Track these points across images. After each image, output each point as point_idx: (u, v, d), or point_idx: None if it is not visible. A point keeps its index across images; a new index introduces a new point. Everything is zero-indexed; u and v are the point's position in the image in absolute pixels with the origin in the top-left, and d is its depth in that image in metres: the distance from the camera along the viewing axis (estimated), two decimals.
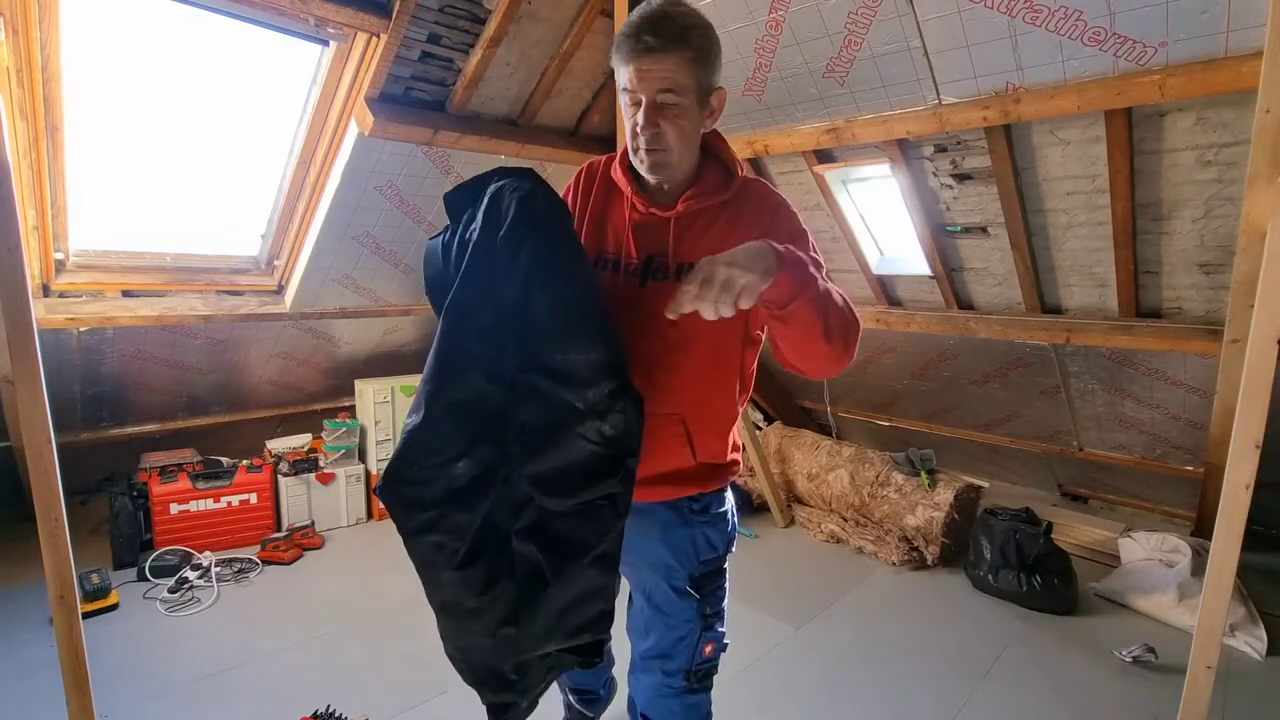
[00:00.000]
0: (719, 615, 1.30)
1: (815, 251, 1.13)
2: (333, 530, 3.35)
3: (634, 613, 1.37)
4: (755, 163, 3.07)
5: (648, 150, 1.10)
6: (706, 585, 1.27)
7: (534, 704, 1.18)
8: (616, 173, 1.22)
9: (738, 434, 1.32)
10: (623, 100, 1.11)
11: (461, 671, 1.16)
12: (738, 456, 1.31)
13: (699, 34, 1.06)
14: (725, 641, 1.34)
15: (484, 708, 1.19)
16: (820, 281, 0.99)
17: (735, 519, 1.35)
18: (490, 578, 1.07)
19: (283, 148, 2.92)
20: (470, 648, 1.13)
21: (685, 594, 1.25)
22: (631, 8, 2.80)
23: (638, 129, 1.08)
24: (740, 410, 1.28)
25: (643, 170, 1.16)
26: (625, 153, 1.20)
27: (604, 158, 1.27)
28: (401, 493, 1.05)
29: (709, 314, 0.90)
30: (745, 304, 0.89)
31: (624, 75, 1.08)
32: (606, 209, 1.24)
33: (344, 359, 3.82)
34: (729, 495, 1.33)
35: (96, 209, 2.71)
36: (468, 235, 1.07)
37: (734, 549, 1.35)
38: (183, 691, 2.08)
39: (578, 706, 1.81)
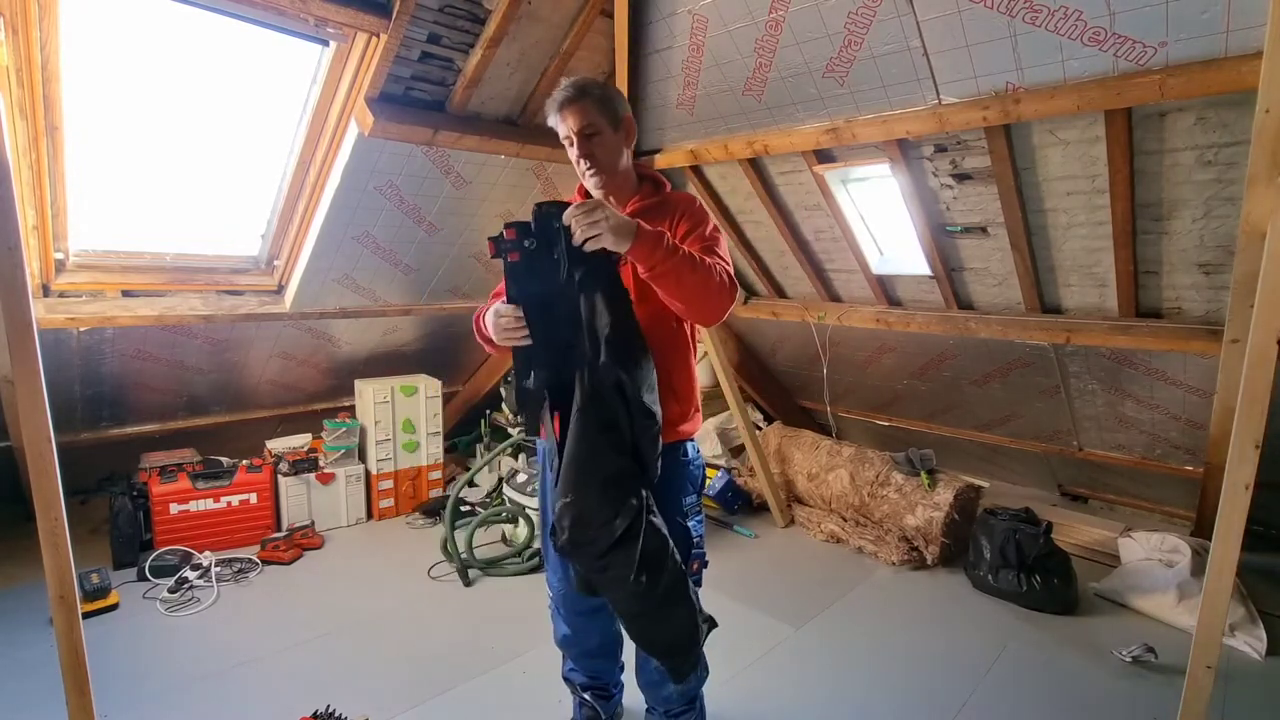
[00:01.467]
0: (701, 539, 1.66)
1: (709, 239, 1.52)
2: (332, 530, 3.35)
3: None
4: (755, 163, 3.07)
5: (588, 171, 1.53)
6: (692, 515, 1.63)
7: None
8: (577, 200, 1.56)
9: (699, 398, 1.69)
10: (566, 147, 1.54)
11: (648, 645, 1.54)
12: (699, 414, 1.69)
13: (597, 88, 1.53)
14: (707, 559, 1.70)
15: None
16: (671, 260, 1.34)
17: (703, 464, 1.75)
18: (652, 587, 1.42)
19: (283, 148, 2.92)
20: (651, 629, 1.50)
21: (676, 523, 1.58)
22: (631, 9, 2.83)
23: (578, 158, 1.52)
24: (695, 368, 1.67)
25: (592, 186, 1.56)
26: (580, 190, 1.63)
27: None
28: (582, 550, 1.41)
29: (577, 233, 1.29)
30: (594, 244, 1.29)
31: (560, 126, 1.53)
32: None
33: (344, 359, 3.82)
34: (697, 446, 1.71)
35: (96, 209, 2.71)
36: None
37: (704, 488, 1.80)
38: (183, 691, 2.08)
39: (591, 703, 1.83)
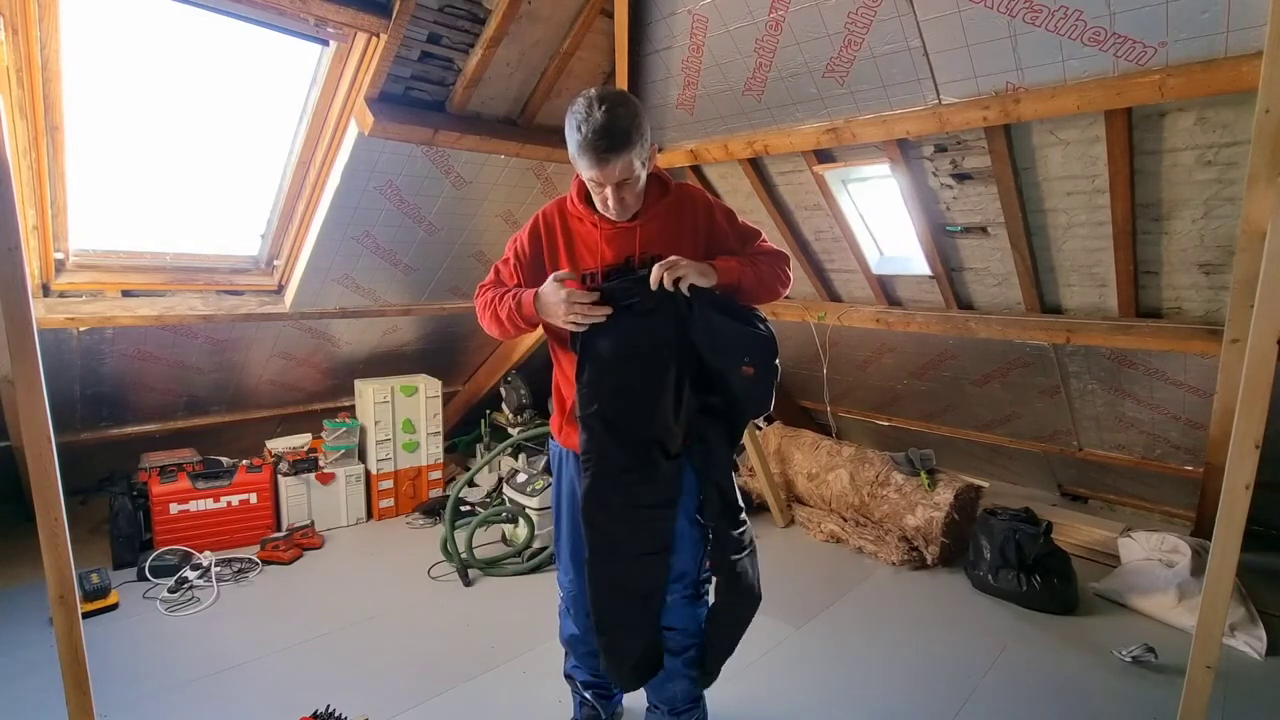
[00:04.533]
0: None
1: (752, 233, 1.67)
2: (332, 530, 3.35)
3: None
4: (755, 163, 3.07)
5: (619, 212, 1.47)
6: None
7: None
8: (576, 207, 1.55)
9: None
10: (587, 181, 1.46)
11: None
12: None
13: (636, 130, 1.38)
14: None
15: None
16: (742, 277, 1.50)
17: None
18: None
19: (283, 148, 2.92)
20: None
21: (695, 523, 1.62)
22: (631, 9, 2.82)
23: (608, 202, 1.45)
24: None
25: (613, 217, 1.50)
26: (578, 193, 1.55)
27: (553, 204, 1.61)
28: None
29: (667, 282, 1.40)
30: (683, 285, 1.41)
31: (589, 172, 1.41)
32: (572, 237, 1.57)
33: (344, 359, 3.82)
34: None
35: (96, 209, 2.71)
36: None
37: None
38: (182, 691, 2.08)
39: (592, 702, 1.83)
